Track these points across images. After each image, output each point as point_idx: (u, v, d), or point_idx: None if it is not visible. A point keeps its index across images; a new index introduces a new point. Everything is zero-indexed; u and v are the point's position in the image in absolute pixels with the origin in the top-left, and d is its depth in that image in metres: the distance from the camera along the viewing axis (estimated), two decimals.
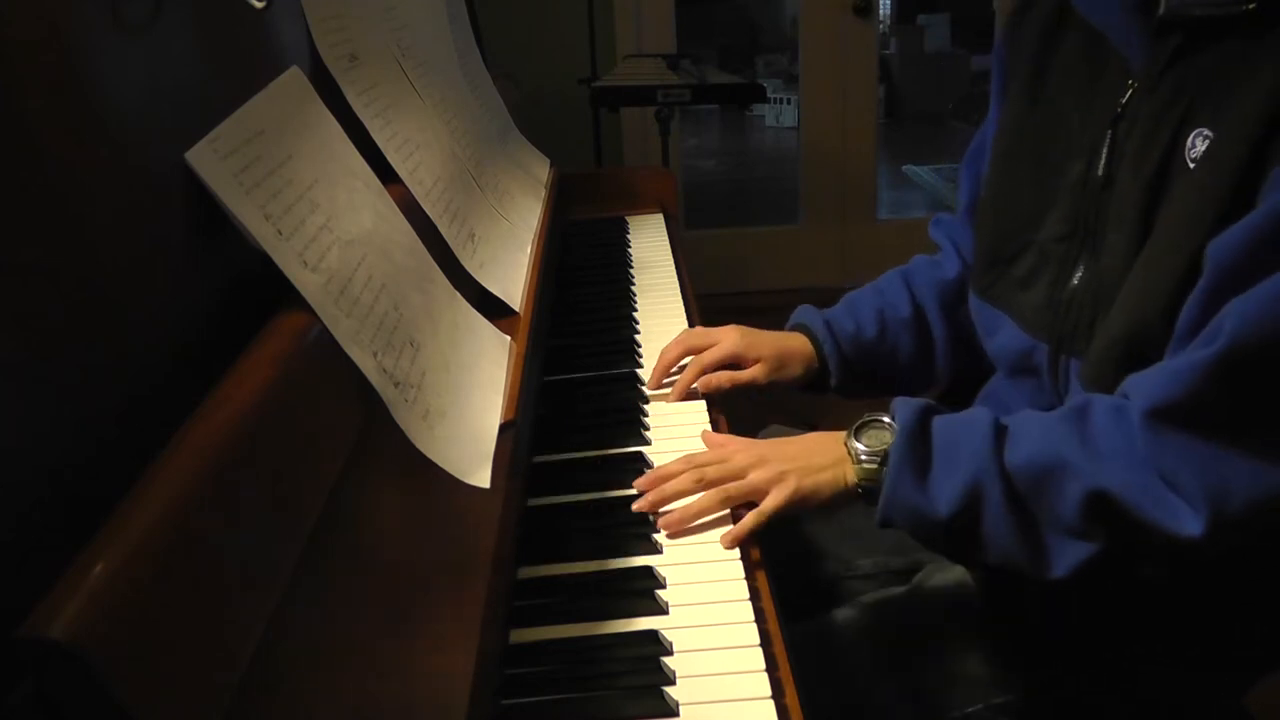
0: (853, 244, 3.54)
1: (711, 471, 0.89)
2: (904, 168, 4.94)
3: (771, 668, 0.71)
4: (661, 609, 0.77)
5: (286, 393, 0.56)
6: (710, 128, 6.62)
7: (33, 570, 0.39)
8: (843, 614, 1.00)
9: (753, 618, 0.76)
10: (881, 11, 5.96)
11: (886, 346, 1.13)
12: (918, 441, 0.83)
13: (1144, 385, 0.76)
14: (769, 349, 1.11)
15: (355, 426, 0.64)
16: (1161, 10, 0.79)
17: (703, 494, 0.88)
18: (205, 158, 0.59)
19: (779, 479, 0.87)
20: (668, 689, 0.69)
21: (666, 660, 0.72)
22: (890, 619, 0.98)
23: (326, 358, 0.64)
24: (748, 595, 0.78)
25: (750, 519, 0.86)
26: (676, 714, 0.68)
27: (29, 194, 0.47)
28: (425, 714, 0.58)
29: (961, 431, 0.83)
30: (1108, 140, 0.85)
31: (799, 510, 0.88)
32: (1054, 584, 0.80)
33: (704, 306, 1.40)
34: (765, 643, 0.73)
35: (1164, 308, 0.77)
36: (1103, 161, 0.86)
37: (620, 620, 0.77)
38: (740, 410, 1.13)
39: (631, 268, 1.50)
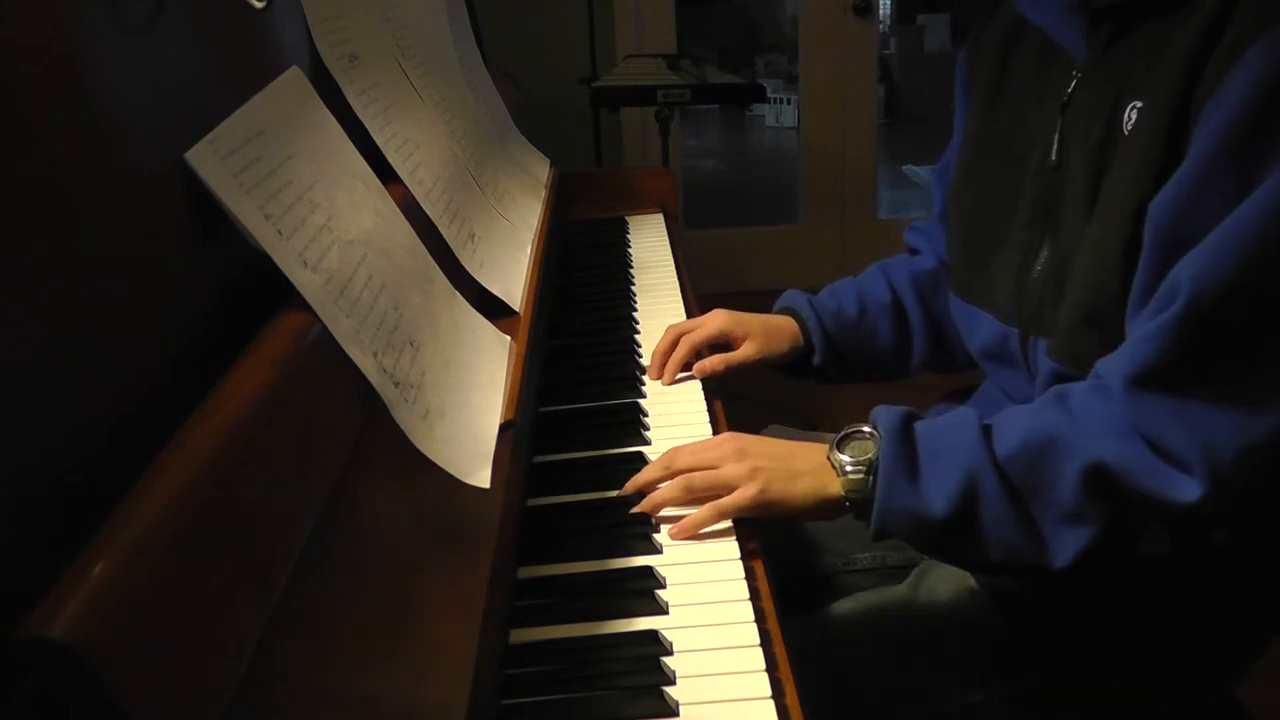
0: (853, 244, 3.54)
1: (682, 460, 0.88)
2: (904, 168, 4.95)
3: (771, 668, 0.71)
4: (661, 609, 0.77)
5: (286, 393, 0.56)
6: (710, 128, 6.61)
7: (33, 570, 0.39)
8: (840, 607, 1.01)
9: (753, 618, 0.76)
10: (881, 11, 5.96)
11: (867, 327, 1.17)
12: (903, 445, 0.82)
13: (1118, 357, 0.77)
14: (757, 326, 1.15)
15: (355, 426, 0.64)
16: (1093, 4, 0.85)
17: (669, 483, 0.87)
18: (205, 158, 0.59)
19: (750, 476, 0.85)
20: (668, 689, 0.69)
21: (666, 660, 0.72)
22: (888, 612, 0.98)
23: (326, 358, 0.64)
24: (748, 595, 0.78)
25: (705, 511, 0.84)
26: (676, 714, 0.68)
27: (29, 194, 0.47)
28: (425, 714, 0.58)
29: (947, 431, 0.83)
30: (1058, 128, 0.89)
31: (763, 514, 0.86)
32: (1059, 576, 0.79)
33: (704, 307, 1.39)
34: (765, 643, 0.73)
35: (1116, 271, 0.79)
36: (1054, 148, 0.89)
37: (620, 620, 0.77)
38: (741, 412, 1.13)
39: (631, 268, 1.50)
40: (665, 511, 0.88)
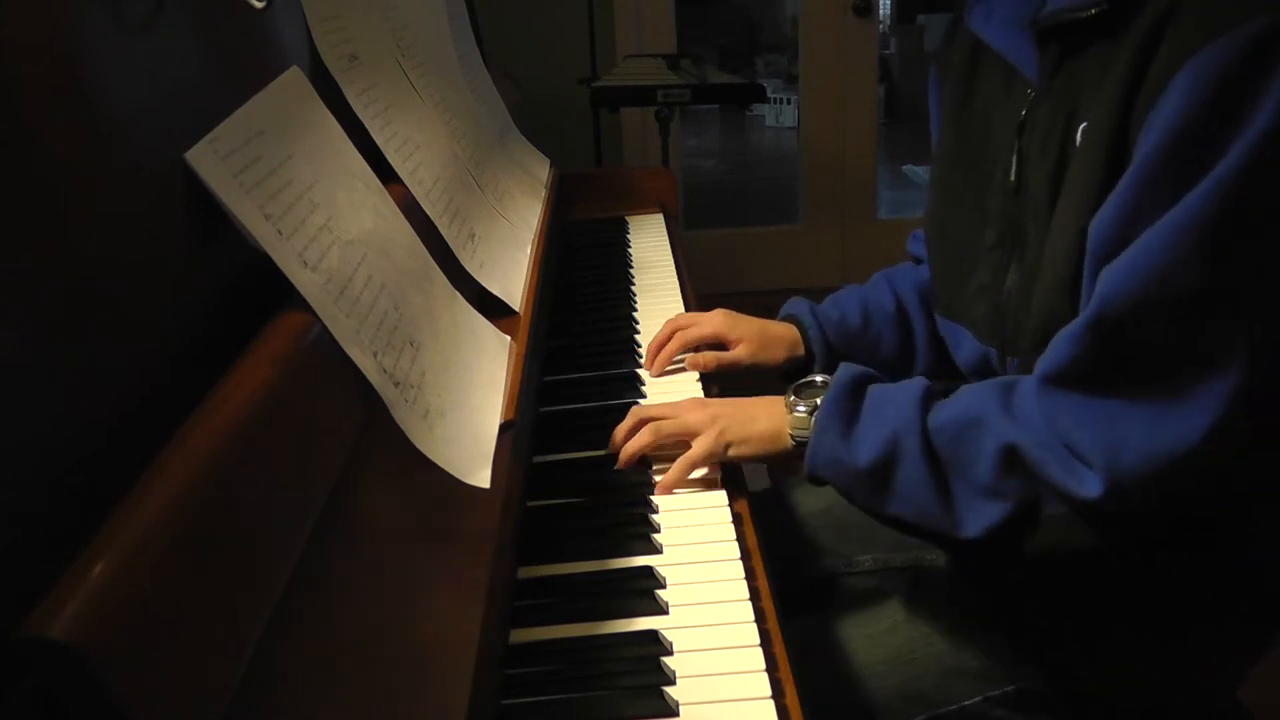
0: (853, 244, 3.54)
1: (652, 410, 0.98)
2: (904, 168, 4.95)
3: (771, 668, 0.71)
4: (661, 609, 0.77)
5: (286, 393, 0.56)
6: (710, 128, 6.61)
7: (33, 570, 0.39)
8: (841, 609, 1.02)
9: (753, 618, 0.76)
10: (881, 11, 5.95)
11: (871, 336, 1.17)
12: (849, 399, 0.89)
13: (1044, 355, 0.80)
14: (752, 330, 1.17)
15: (355, 426, 0.64)
16: (1036, 24, 0.86)
17: (639, 433, 0.95)
18: (205, 158, 0.59)
19: (710, 421, 0.94)
20: (668, 689, 0.69)
21: (666, 660, 0.72)
22: (887, 613, 0.98)
23: (326, 358, 0.64)
24: (748, 595, 0.78)
25: (675, 467, 0.92)
26: (676, 714, 0.68)
27: (29, 194, 0.47)
28: (425, 714, 0.58)
29: (892, 393, 0.88)
30: (1016, 148, 0.90)
31: (726, 459, 0.93)
32: (966, 545, 0.83)
33: (704, 306, 1.40)
34: (765, 643, 0.73)
35: (1066, 296, 0.81)
36: (1013, 169, 0.91)
37: (620, 620, 0.77)
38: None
39: (631, 268, 1.50)
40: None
